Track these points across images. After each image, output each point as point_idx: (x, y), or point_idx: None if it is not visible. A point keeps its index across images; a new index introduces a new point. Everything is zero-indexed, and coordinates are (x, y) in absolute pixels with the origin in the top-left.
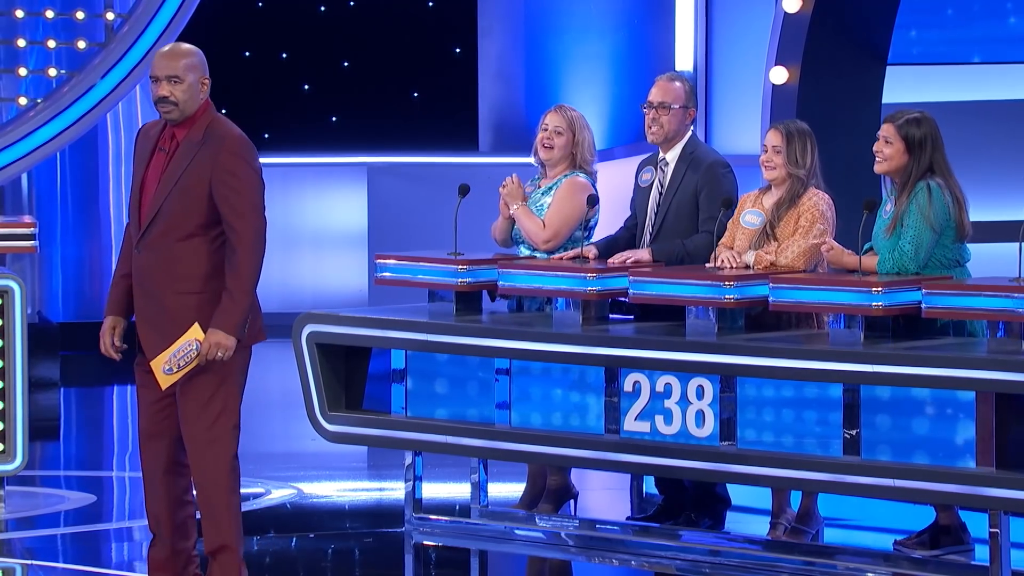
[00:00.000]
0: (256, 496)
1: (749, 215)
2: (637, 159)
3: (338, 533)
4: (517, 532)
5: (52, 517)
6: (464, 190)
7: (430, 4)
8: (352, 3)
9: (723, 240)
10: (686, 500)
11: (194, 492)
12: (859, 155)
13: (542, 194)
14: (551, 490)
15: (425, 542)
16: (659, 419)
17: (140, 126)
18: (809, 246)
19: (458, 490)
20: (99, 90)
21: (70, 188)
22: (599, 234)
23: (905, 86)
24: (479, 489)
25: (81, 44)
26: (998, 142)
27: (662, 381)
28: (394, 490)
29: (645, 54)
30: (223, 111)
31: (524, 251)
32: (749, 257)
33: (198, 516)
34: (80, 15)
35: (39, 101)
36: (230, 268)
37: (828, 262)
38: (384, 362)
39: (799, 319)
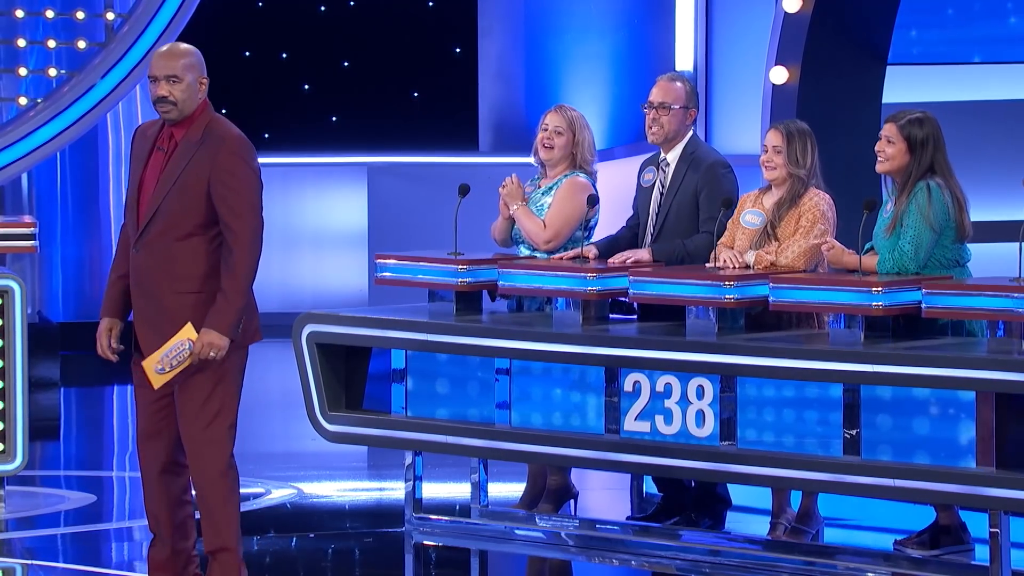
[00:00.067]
0: (256, 496)
1: (749, 215)
2: (637, 159)
3: (338, 533)
4: (517, 532)
5: (52, 517)
6: (464, 190)
7: (430, 4)
8: (352, 3)
9: (723, 240)
10: (686, 498)
11: (193, 492)
12: (859, 155)
13: (542, 194)
14: (551, 490)
15: (425, 542)
16: (659, 419)
17: (137, 126)
18: (810, 246)
19: (458, 490)
20: (99, 90)
21: (70, 188)
22: (599, 234)
23: (905, 86)
24: (479, 489)
25: (81, 44)
26: (998, 142)
27: (662, 381)
28: (394, 490)
29: (645, 54)
30: (223, 111)
31: (524, 251)
32: (749, 257)
33: (197, 516)
34: (80, 15)
35: (39, 101)
36: (226, 268)
37: (828, 262)
38: (384, 362)
39: (799, 319)
